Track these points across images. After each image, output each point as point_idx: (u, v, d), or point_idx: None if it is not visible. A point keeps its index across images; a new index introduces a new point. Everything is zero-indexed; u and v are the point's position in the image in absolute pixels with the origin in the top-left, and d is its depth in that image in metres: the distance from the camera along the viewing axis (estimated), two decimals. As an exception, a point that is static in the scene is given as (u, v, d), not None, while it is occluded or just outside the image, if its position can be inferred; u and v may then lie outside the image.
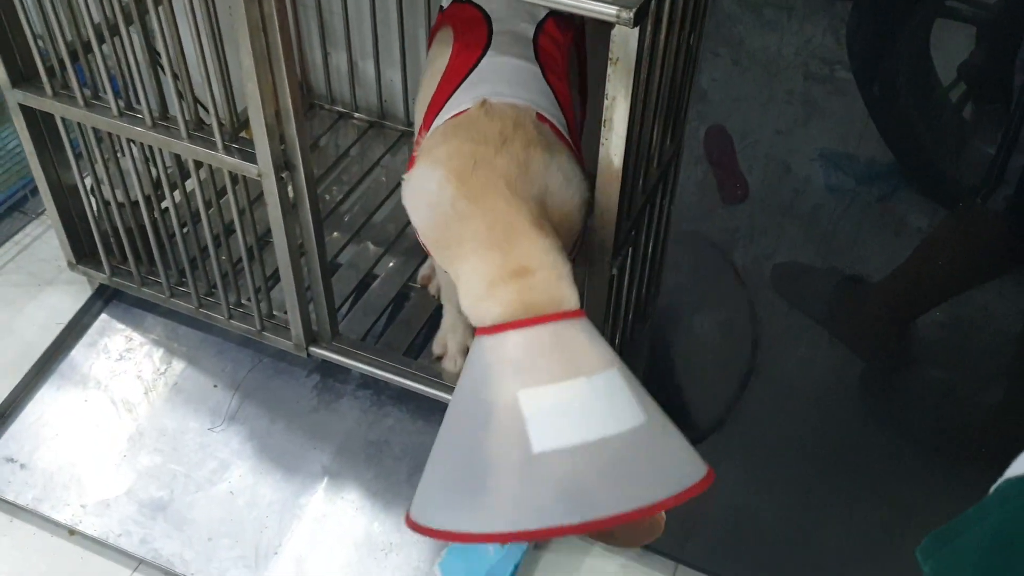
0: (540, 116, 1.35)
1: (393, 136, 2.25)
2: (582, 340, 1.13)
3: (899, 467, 1.40)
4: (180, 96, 1.53)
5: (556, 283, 1.16)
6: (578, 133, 1.49)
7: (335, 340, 1.78)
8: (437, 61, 1.52)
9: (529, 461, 1.06)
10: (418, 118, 1.53)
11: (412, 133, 2.23)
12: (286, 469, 1.74)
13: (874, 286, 1.27)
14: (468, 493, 1.11)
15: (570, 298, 1.15)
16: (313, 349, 1.77)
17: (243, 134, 1.62)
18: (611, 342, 1.54)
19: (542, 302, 1.14)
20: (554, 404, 1.08)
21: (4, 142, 2.28)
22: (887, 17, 1.01)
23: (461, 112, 1.35)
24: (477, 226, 1.23)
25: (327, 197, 2.11)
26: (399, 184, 2.14)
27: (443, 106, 1.41)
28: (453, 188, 1.25)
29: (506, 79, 1.40)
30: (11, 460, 1.75)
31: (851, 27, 1.00)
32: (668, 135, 1.50)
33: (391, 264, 1.99)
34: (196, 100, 1.59)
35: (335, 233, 2.05)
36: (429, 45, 1.63)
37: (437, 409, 1.64)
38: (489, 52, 1.45)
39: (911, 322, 1.30)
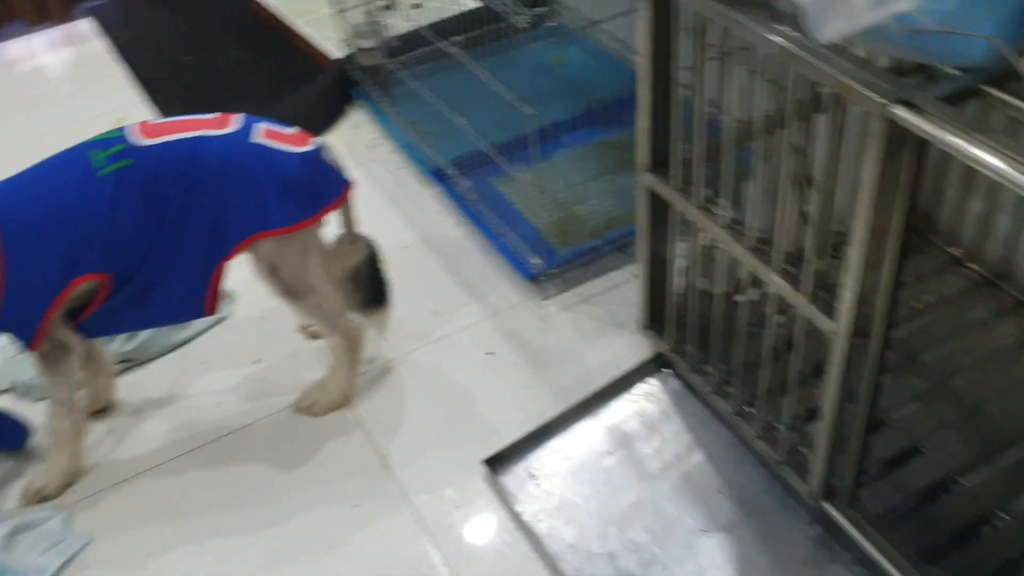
0: None
1: (1008, 303, 2.04)
2: None
3: None
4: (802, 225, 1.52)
5: None
6: None
7: (851, 505, 1.68)
8: None
9: None
10: None
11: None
12: (753, 607, 1.70)
13: None
14: None
15: None
16: (826, 505, 1.70)
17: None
18: None
19: None
20: None
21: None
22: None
23: None
24: None
25: (898, 336, 1.97)
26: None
27: None
28: None
29: None
30: (533, 476, 1.94)
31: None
32: None
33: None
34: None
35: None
36: None
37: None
38: None
39: None
